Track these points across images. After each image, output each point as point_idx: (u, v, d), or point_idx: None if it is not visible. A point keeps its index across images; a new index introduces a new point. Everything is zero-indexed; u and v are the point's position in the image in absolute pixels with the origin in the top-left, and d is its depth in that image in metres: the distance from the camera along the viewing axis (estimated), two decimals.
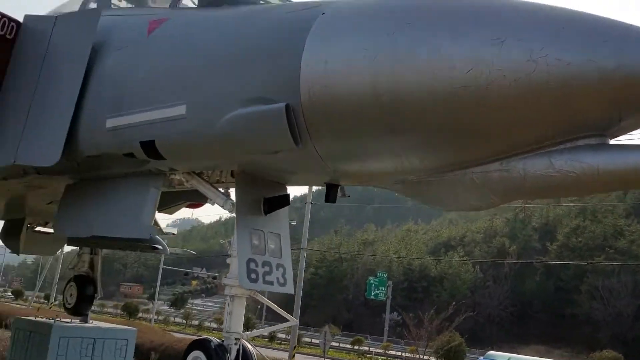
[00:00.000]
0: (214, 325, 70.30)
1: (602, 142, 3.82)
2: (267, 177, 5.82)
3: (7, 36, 6.85)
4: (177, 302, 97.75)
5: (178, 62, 5.58)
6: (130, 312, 67.13)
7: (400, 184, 5.10)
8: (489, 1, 4.00)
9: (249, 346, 5.86)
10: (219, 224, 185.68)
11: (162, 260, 65.54)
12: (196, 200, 8.68)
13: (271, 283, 5.56)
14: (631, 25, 3.60)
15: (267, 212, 5.70)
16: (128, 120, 5.73)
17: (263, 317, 66.62)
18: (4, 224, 12.42)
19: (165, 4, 6.61)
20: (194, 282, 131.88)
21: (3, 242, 12.46)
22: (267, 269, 5.54)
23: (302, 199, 46.75)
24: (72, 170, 6.97)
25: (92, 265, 12.52)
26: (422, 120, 4.06)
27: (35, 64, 6.66)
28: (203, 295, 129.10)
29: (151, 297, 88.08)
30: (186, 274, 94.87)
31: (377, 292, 58.39)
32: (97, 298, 12.91)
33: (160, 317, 70.13)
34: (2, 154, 6.56)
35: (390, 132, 4.26)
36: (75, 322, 12.01)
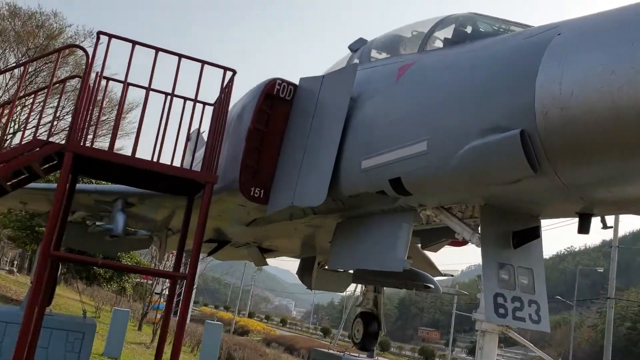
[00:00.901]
0: None
1: None
2: (514, 209, 5.59)
3: (286, 98, 8.05)
4: (475, 351, 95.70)
5: (419, 102, 5.85)
6: (426, 356, 68.18)
7: None
8: None
9: None
10: None
11: (455, 304, 65.30)
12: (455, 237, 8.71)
13: (523, 319, 5.27)
14: None
15: (516, 245, 5.46)
16: (378, 160, 6.17)
17: None
18: (300, 262, 14.12)
19: (414, 49, 7.01)
20: None
21: (299, 278, 14.10)
22: (517, 304, 5.28)
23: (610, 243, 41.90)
24: (338, 209, 7.72)
25: (376, 303, 13.14)
26: None
27: (307, 118, 7.65)
28: (502, 345, 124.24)
29: (448, 343, 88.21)
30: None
31: None
32: (382, 335, 13.52)
33: None
34: (284, 197, 7.62)
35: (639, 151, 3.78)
36: (363, 356, 12.86)
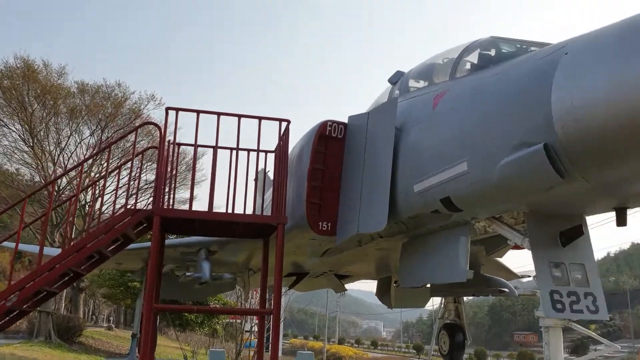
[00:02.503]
0: None
1: None
2: (555, 211, 6.05)
3: (339, 136, 8.80)
4: (578, 349, 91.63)
5: (455, 127, 6.44)
6: None
7: None
8: None
9: None
10: (609, 259, 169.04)
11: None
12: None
13: (580, 311, 5.68)
14: None
15: (564, 244, 5.92)
16: (428, 183, 6.78)
17: None
18: (377, 283, 14.66)
19: (446, 76, 7.62)
20: (593, 326, 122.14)
21: (379, 299, 14.61)
22: (573, 298, 5.70)
23: None
24: (401, 231, 8.34)
25: (458, 313, 13.41)
26: None
27: (360, 152, 8.35)
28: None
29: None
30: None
31: None
32: (468, 344, 13.71)
33: None
34: (350, 227, 8.30)
35: None
36: None
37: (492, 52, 7.04)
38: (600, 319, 5.75)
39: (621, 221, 5.67)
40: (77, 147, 35.91)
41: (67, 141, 35.53)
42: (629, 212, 5.81)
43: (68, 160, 35.59)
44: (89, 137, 35.81)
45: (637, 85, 4.13)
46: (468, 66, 7.37)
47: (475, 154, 5.93)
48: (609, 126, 4.35)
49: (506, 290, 11.81)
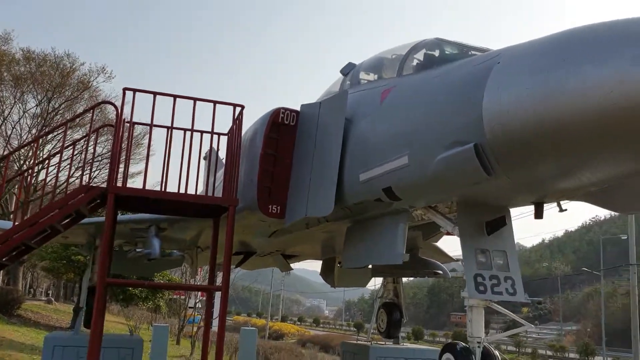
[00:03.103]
0: (549, 352, 67.30)
1: None
2: (483, 203, 6.70)
3: (291, 123, 9.21)
4: (511, 329, 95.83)
5: (399, 122, 6.98)
6: (461, 340, 68.69)
7: (587, 194, 5.52)
8: (624, 26, 4.43)
9: (492, 349, 6.73)
10: (543, 246, 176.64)
11: None
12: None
13: (500, 293, 6.38)
14: None
15: (489, 233, 6.59)
16: (372, 173, 7.30)
17: None
18: (322, 263, 15.27)
19: (393, 74, 8.13)
20: (525, 309, 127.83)
21: (323, 278, 15.25)
22: (495, 281, 6.39)
23: None
24: (347, 216, 8.87)
25: (396, 293, 14.14)
26: (584, 141, 4.65)
27: (311, 140, 8.78)
28: (537, 322, 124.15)
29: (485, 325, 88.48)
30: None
31: None
32: (404, 322, 14.49)
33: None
34: (298, 210, 8.77)
35: (560, 154, 4.92)
36: (389, 344, 13.91)
37: (437, 53, 7.59)
38: (517, 300, 6.46)
39: (539, 214, 6.41)
40: (21, 118, 34.89)
41: (10, 110, 34.44)
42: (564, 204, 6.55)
43: (12, 130, 34.55)
44: (34, 108, 34.85)
45: (551, 97, 4.71)
46: (415, 63, 7.90)
47: (415, 149, 6.48)
48: (528, 131, 4.95)
49: (440, 272, 12.66)
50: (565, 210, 6.63)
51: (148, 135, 9.13)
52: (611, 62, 4.28)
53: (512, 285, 6.46)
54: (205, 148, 9.53)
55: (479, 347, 6.64)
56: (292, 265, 16.80)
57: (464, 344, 6.77)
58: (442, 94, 6.31)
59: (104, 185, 10.72)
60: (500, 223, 6.62)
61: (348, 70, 9.78)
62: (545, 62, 4.88)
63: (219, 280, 13.79)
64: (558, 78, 4.66)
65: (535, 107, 4.83)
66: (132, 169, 36.88)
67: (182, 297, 39.27)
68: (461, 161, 5.71)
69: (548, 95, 4.72)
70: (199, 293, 35.13)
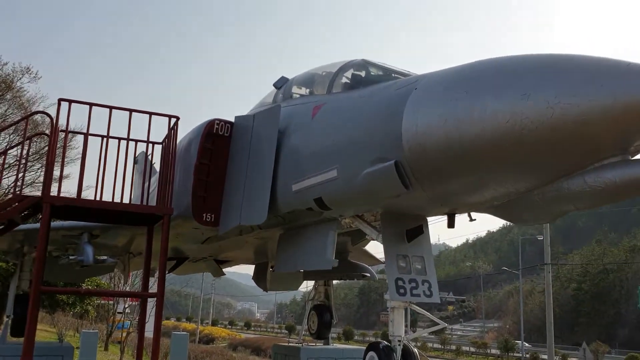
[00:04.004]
0: (472, 349, 70.19)
1: (623, 159, 4.65)
2: (403, 214, 7.36)
3: (225, 134, 9.56)
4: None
5: (329, 137, 7.51)
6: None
7: (492, 207, 6.30)
8: (518, 63, 5.17)
9: (411, 347, 7.38)
10: (467, 246, 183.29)
11: None
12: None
13: (418, 295, 7.04)
14: (624, 64, 4.46)
15: (409, 240, 7.26)
16: (304, 184, 7.79)
17: None
18: (255, 267, 15.61)
19: (323, 90, 8.66)
20: (450, 307, 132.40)
21: (255, 282, 15.58)
22: (413, 284, 7.05)
23: None
24: (280, 223, 9.32)
25: (327, 295, 14.66)
26: (484, 162, 5.36)
27: (245, 151, 9.15)
28: (461, 320, 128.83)
29: (412, 324, 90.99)
30: None
31: None
32: (334, 323, 15.00)
33: (418, 344, 72.32)
34: (232, 218, 9.12)
35: (466, 173, 5.63)
36: (320, 345, 14.40)
37: (363, 74, 8.19)
38: (433, 301, 7.14)
39: (451, 224, 7.17)
40: None
41: None
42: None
43: None
44: None
45: (457, 123, 5.40)
46: (344, 81, 8.46)
47: (344, 163, 7.02)
48: (439, 151, 5.63)
49: (368, 274, 13.35)
50: (475, 220, 7.40)
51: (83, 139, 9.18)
52: (506, 95, 5.00)
53: (429, 287, 7.14)
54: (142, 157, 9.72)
55: (399, 345, 7.25)
56: (223, 269, 17.02)
57: (386, 342, 7.37)
58: (368, 113, 6.89)
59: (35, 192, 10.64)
60: (418, 231, 7.30)
61: (281, 84, 10.23)
62: (453, 91, 5.56)
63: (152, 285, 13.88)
64: (463, 107, 5.36)
65: (445, 131, 5.50)
66: (65, 170, 35.79)
67: (111, 302, 38.46)
68: (383, 176, 6.31)
69: (455, 121, 5.40)
70: (129, 298, 34.57)
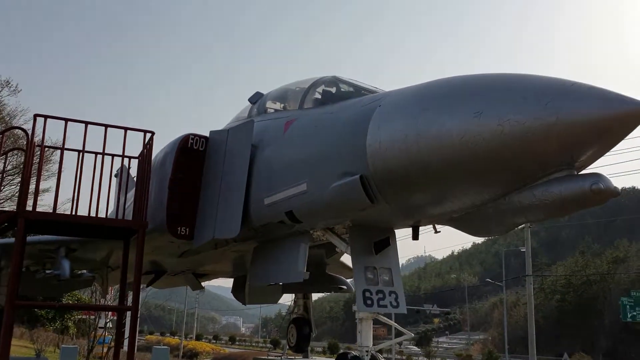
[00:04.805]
0: None
1: (569, 174, 4.91)
2: (371, 226, 7.56)
3: (200, 149, 9.71)
4: (422, 341, 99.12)
5: (299, 151, 7.72)
6: None
7: (451, 220, 6.54)
8: (471, 82, 5.44)
9: (379, 357, 7.55)
10: (453, 258, 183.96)
11: None
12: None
13: (385, 306, 7.22)
14: (569, 83, 4.72)
15: (376, 252, 7.45)
16: (276, 197, 7.97)
17: None
18: (233, 281, 15.69)
19: (295, 106, 8.87)
20: (436, 320, 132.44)
21: (234, 296, 15.63)
22: (380, 296, 7.23)
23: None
24: (253, 237, 9.47)
25: (306, 308, 14.75)
26: (442, 176, 5.60)
27: (219, 165, 9.30)
28: (447, 332, 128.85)
29: (397, 336, 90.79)
30: (417, 311, 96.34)
31: (635, 313, 53.34)
32: (313, 336, 15.08)
33: (403, 357, 72.26)
34: (207, 232, 9.25)
35: (425, 186, 5.87)
36: (299, 358, 14.48)
37: (334, 90, 8.42)
38: (400, 312, 7.32)
39: (415, 236, 7.37)
40: None
41: None
42: None
43: None
44: None
45: (417, 139, 5.66)
46: (315, 97, 8.68)
47: (313, 177, 7.22)
48: (401, 166, 5.88)
49: (345, 287, 13.47)
50: (440, 232, 7.62)
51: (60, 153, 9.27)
52: (460, 113, 5.27)
53: (396, 298, 7.32)
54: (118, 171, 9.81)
55: (367, 355, 7.42)
56: (207, 282, 17.06)
57: (354, 353, 7.53)
58: (336, 129, 7.11)
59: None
60: (385, 243, 7.50)
61: (256, 99, 10.45)
62: (412, 109, 5.82)
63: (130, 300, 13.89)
64: (422, 124, 5.62)
65: (405, 147, 5.74)
66: (42, 184, 35.54)
67: (92, 317, 38.13)
68: (349, 190, 6.51)
69: (415, 138, 5.65)
70: (110, 313, 34.32)
